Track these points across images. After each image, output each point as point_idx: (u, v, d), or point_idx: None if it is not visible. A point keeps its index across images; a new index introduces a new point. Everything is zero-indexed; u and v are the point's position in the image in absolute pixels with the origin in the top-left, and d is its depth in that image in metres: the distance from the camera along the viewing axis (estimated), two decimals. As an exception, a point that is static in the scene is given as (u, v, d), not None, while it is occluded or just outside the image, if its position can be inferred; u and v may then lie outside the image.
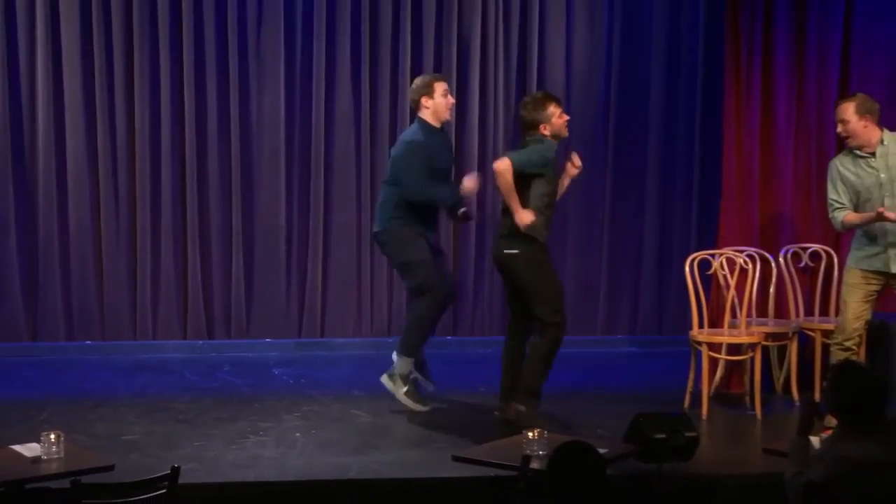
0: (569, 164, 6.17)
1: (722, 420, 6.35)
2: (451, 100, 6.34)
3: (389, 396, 6.37)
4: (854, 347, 6.10)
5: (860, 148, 6.01)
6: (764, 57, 6.99)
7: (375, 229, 6.41)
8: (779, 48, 6.98)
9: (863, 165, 6.02)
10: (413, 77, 7.94)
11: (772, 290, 6.88)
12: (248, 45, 7.86)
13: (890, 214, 5.83)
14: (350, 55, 7.93)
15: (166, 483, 4.28)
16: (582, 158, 6.23)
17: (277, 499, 5.05)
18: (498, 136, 8.12)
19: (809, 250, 6.98)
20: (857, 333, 6.11)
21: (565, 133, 6.08)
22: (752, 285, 6.59)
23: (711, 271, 6.61)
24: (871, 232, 6.00)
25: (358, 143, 8.03)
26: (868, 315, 6.13)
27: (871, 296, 6.10)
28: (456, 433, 5.88)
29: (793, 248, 6.99)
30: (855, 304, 6.07)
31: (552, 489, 3.67)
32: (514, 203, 5.84)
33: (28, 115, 7.71)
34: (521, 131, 6.12)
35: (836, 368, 4.44)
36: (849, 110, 5.98)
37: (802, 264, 6.95)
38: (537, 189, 5.91)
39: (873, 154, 5.99)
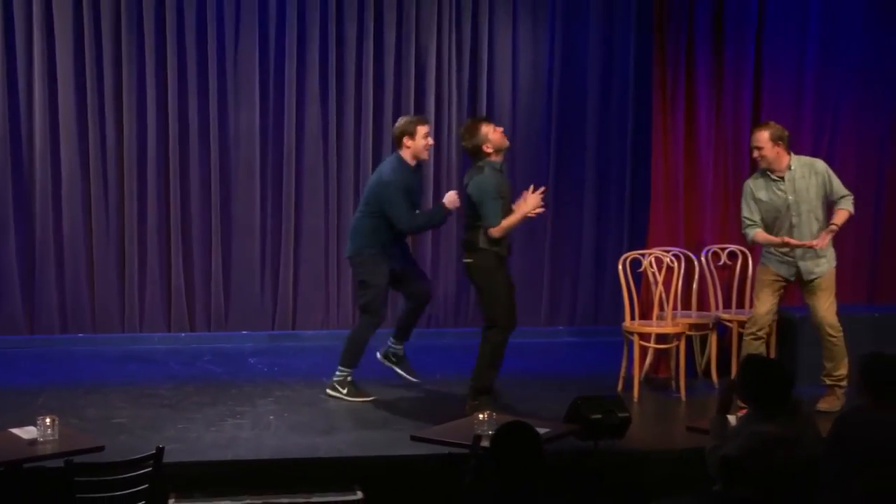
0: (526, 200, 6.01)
1: (651, 402, 6.39)
2: (431, 141, 6.24)
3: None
4: (764, 336, 6.19)
5: (772, 171, 6.08)
6: (687, 78, 7.04)
7: (348, 253, 6.34)
8: (700, 70, 7.04)
9: (773, 189, 6.09)
10: (375, 95, 8.00)
11: (694, 285, 6.93)
12: (227, 65, 7.81)
13: (793, 242, 5.94)
14: (318, 75, 7.91)
15: (152, 462, 4.27)
16: (540, 190, 6.04)
17: (253, 476, 5.03)
18: (451, 151, 8.12)
19: (727, 250, 7.05)
20: (768, 324, 6.20)
21: (506, 143, 6.02)
22: (678, 281, 6.64)
23: (642, 269, 6.65)
24: (776, 234, 6.09)
25: (326, 155, 8.01)
26: (776, 307, 6.22)
27: (780, 290, 6.19)
28: (414, 416, 5.89)
29: (713, 248, 7.05)
30: (766, 299, 6.16)
31: (495, 464, 3.69)
32: (519, 217, 5.91)
33: (26, 127, 7.61)
34: (471, 159, 6.04)
35: (745, 361, 4.50)
36: (763, 138, 6.05)
37: (721, 263, 7.02)
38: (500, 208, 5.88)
39: (783, 178, 6.06)
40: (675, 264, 6.63)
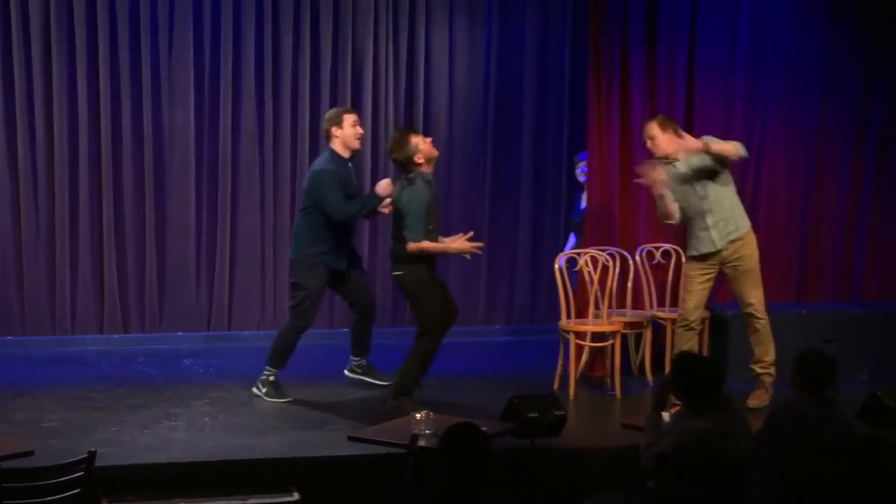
0: None
1: (587, 399, 6.42)
2: (360, 130, 6.22)
3: (289, 384, 6.35)
4: (696, 327, 6.28)
5: (667, 157, 6.18)
6: (621, 79, 7.09)
7: (290, 256, 6.33)
8: (634, 71, 7.10)
9: (671, 171, 6.19)
10: (312, 95, 7.95)
11: (629, 284, 6.99)
12: (160, 64, 7.71)
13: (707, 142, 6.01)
14: (254, 76, 7.84)
15: (83, 466, 4.18)
16: (475, 243, 6.05)
17: (188, 478, 4.97)
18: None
19: (661, 249, 7.12)
20: (698, 317, 6.29)
21: (435, 153, 6.00)
22: (613, 280, 6.69)
23: (578, 268, 6.68)
24: (692, 219, 6.19)
25: (261, 155, 7.95)
26: (704, 302, 6.30)
27: (707, 283, 6.27)
28: (351, 416, 5.86)
29: (647, 247, 7.12)
30: (695, 292, 6.24)
31: (445, 465, 3.68)
32: (443, 248, 5.95)
33: (-49, 125, 7.45)
34: (401, 171, 5.99)
35: (677, 359, 4.56)
36: (654, 127, 6.17)
37: (655, 262, 7.09)
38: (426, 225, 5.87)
39: (677, 159, 6.18)
40: (611, 263, 6.68)
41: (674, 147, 6.16)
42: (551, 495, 4.68)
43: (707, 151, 6.03)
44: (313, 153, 7.97)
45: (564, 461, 5.03)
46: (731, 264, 6.19)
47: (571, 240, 7.55)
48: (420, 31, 8.08)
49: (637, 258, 7.02)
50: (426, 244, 5.85)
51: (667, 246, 7.10)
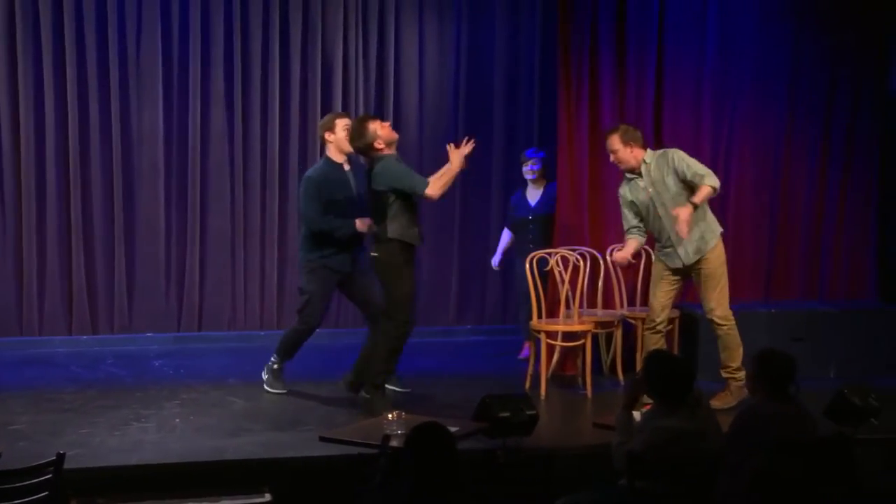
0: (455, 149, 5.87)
1: (558, 399, 6.43)
2: None
3: (260, 385, 6.34)
4: (662, 330, 6.29)
5: (631, 171, 6.19)
6: (591, 77, 7.12)
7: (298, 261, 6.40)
8: (603, 70, 7.12)
9: (636, 188, 6.21)
10: (282, 95, 7.93)
11: (600, 284, 7.01)
12: (128, 63, 7.66)
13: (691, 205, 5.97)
14: (223, 75, 7.81)
15: (52, 468, 4.14)
16: (465, 142, 5.91)
17: (159, 480, 4.93)
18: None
19: (632, 249, 7.14)
20: (665, 318, 6.31)
21: (395, 135, 5.94)
22: (584, 280, 6.70)
23: (548, 268, 6.70)
24: (658, 237, 6.22)
25: (231, 155, 7.92)
26: (672, 302, 6.33)
27: (675, 285, 6.30)
28: (322, 416, 5.84)
29: (617, 247, 7.14)
30: (661, 293, 6.27)
31: (411, 465, 3.68)
32: (451, 174, 5.76)
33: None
34: (366, 159, 5.91)
35: (648, 357, 4.58)
36: (615, 140, 6.15)
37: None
38: (406, 202, 5.81)
39: (640, 174, 6.18)
40: (581, 263, 6.70)
41: (635, 161, 6.15)
42: (522, 495, 4.69)
43: (695, 207, 6.01)
44: (283, 152, 7.96)
45: (536, 460, 5.04)
46: (695, 268, 6.22)
47: (507, 236, 7.53)
48: (390, 30, 8.09)
49: (607, 258, 7.03)
50: (437, 181, 5.75)
51: (637, 245, 7.11)
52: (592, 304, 6.99)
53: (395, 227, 5.78)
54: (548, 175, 7.36)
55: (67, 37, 7.49)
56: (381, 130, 5.81)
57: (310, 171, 6.25)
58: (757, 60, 7.37)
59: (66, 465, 4.14)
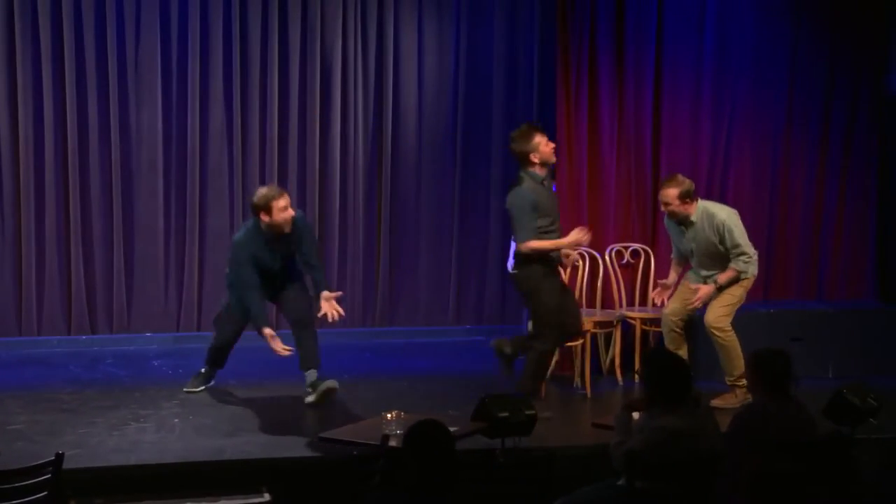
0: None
1: (557, 399, 6.44)
2: (291, 212, 5.92)
3: (259, 385, 6.32)
4: (676, 332, 6.32)
5: (681, 222, 6.27)
6: (590, 78, 7.13)
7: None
8: (602, 70, 7.14)
9: (679, 232, 6.35)
10: (280, 94, 7.91)
11: (599, 283, 7.02)
12: (127, 62, 7.65)
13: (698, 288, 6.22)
14: (222, 74, 7.80)
15: (51, 469, 4.14)
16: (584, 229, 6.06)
17: (158, 480, 4.93)
18: (357, 151, 8.09)
19: (630, 248, 7.16)
20: (669, 323, 6.34)
21: (553, 159, 6.01)
22: (582, 279, 6.72)
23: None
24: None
25: (230, 154, 7.91)
26: (680, 311, 6.35)
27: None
28: (321, 417, 5.84)
29: (616, 246, 7.16)
30: (672, 301, 6.31)
31: (409, 461, 3.68)
32: (554, 245, 5.90)
33: (-85, 126, 7.36)
34: (519, 164, 5.96)
35: (648, 356, 4.59)
36: (671, 195, 6.20)
37: (625, 261, 7.13)
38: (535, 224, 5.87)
39: (690, 224, 6.25)
40: (580, 262, 6.70)
41: (686, 214, 6.21)
42: (521, 496, 4.69)
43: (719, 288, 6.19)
44: (282, 150, 7.96)
45: (535, 461, 5.04)
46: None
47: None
48: (389, 30, 8.08)
49: (606, 257, 7.05)
50: (534, 243, 5.84)
51: (636, 245, 7.14)
52: (591, 303, 6.99)
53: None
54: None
55: (66, 37, 7.47)
56: (543, 146, 5.88)
57: (240, 233, 6.03)
58: (755, 60, 7.38)
59: (65, 466, 4.14)
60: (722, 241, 6.15)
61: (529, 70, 8.26)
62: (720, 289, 6.19)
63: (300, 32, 7.89)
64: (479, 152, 8.33)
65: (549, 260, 5.93)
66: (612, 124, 7.19)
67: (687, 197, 6.18)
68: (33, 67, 7.46)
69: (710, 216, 6.20)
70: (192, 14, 7.69)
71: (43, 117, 7.52)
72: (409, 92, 8.17)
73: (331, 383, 6.01)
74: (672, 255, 6.49)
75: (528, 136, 5.89)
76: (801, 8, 7.45)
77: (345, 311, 8.05)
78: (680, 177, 6.29)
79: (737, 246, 6.14)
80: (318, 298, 6.14)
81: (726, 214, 6.21)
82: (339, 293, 6.14)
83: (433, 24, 8.17)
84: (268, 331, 5.91)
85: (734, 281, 6.19)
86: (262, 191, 6.04)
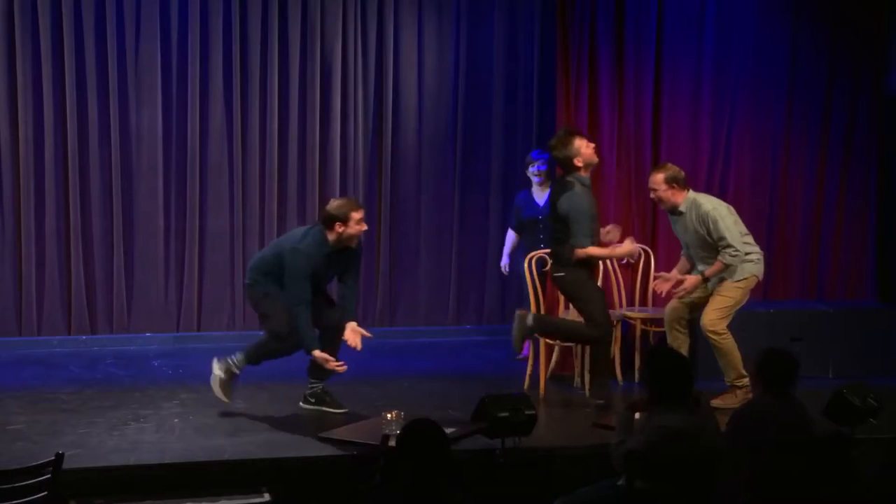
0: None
1: (557, 399, 6.42)
2: (365, 226, 5.72)
3: (259, 384, 6.31)
4: (677, 330, 6.31)
5: (671, 210, 6.23)
6: (590, 76, 7.13)
7: None
8: (602, 69, 7.13)
9: (673, 223, 6.32)
10: (281, 93, 7.91)
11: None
12: (127, 61, 7.65)
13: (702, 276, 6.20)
14: (222, 74, 7.80)
15: (51, 469, 4.14)
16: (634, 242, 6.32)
17: (158, 480, 4.93)
18: (357, 151, 8.09)
19: (630, 248, 7.14)
20: (670, 318, 6.32)
21: (596, 159, 6.06)
22: (582, 280, 6.70)
23: (547, 268, 6.70)
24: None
25: (230, 154, 7.91)
26: (680, 311, 6.33)
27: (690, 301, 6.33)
28: (321, 416, 5.83)
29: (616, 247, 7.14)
30: (674, 300, 6.33)
31: (403, 460, 3.68)
32: (609, 254, 6.14)
33: (-85, 126, 7.36)
34: (563, 169, 6.00)
35: (649, 354, 4.59)
36: (658, 180, 6.17)
37: (625, 261, 7.12)
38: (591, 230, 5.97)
39: (679, 215, 6.22)
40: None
41: (674, 202, 6.17)
42: (521, 496, 4.69)
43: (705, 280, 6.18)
44: (282, 150, 7.96)
45: (535, 461, 5.04)
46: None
47: (512, 237, 7.52)
48: (389, 29, 8.08)
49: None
50: (593, 250, 5.94)
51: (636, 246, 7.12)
52: (591, 303, 6.97)
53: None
54: (551, 175, 7.36)
55: (66, 37, 7.48)
56: (584, 149, 5.94)
57: (301, 240, 5.71)
58: (755, 60, 7.38)
59: (65, 466, 4.14)
60: (710, 233, 6.12)
61: (529, 70, 8.26)
62: (706, 281, 6.13)
63: (300, 32, 7.89)
64: (479, 152, 8.33)
65: (592, 263, 6.08)
66: (611, 124, 7.18)
67: (674, 182, 6.12)
68: (33, 67, 7.46)
69: (697, 206, 6.15)
70: (192, 14, 7.69)
71: (43, 118, 7.52)
72: (409, 92, 8.17)
73: (335, 410, 5.85)
74: (682, 252, 6.46)
75: (567, 141, 5.91)
76: (801, 8, 7.45)
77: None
78: (669, 164, 6.30)
79: (721, 238, 6.06)
80: (340, 327, 5.82)
81: (712, 206, 6.15)
82: (369, 335, 5.84)
83: (433, 24, 8.17)
84: (319, 353, 5.64)
85: (729, 276, 6.11)
86: (340, 201, 5.77)
